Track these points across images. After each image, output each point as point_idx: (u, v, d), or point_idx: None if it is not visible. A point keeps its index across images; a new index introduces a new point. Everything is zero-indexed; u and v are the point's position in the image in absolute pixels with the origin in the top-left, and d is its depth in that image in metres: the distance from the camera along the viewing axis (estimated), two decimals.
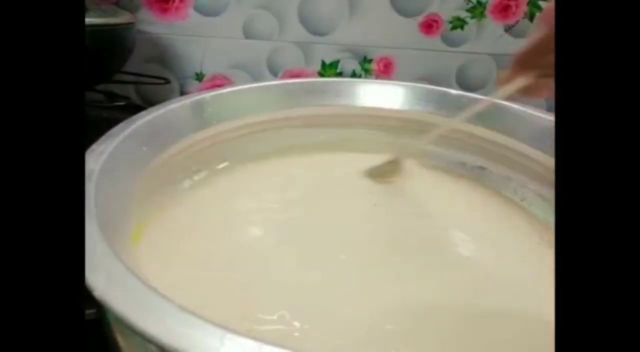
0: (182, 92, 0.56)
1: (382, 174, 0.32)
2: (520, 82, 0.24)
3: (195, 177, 0.31)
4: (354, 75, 0.54)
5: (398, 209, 0.30)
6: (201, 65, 0.55)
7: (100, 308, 0.15)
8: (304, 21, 0.51)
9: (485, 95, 0.34)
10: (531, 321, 0.22)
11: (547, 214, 0.30)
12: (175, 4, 0.52)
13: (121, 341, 0.16)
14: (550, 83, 0.21)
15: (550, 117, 0.31)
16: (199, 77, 0.55)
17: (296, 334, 0.20)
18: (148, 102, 0.58)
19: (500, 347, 0.21)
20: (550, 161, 0.28)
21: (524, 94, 0.24)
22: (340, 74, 0.54)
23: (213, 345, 0.11)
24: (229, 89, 0.33)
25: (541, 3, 0.49)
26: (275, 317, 0.20)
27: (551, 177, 0.29)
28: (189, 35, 0.53)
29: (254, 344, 0.11)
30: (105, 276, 0.14)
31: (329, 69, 0.53)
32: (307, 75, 0.54)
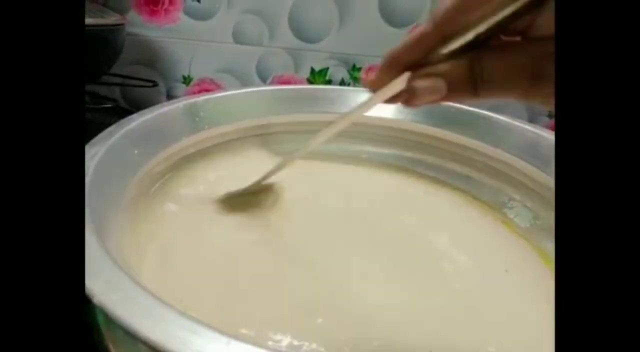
0: (169, 96, 0.56)
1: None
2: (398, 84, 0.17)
3: (187, 181, 0.31)
4: (342, 83, 0.54)
5: (380, 213, 0.31)
6: (189, 69, 0.54)
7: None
8: (294, 28, 0.52)
9: (471, 107, 0.35)
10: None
11: (530, 223, 0.31)
12: (165, 7, 0.51)
13: (114, 349, 0.16)
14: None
15: (534, 129, 0.32)
16: (187, 80, 0.55)
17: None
18: (134, 105, 0.58)
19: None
20: (536, 173, 0.29)
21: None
22: (329, 82, 0.54)
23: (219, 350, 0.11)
24: (221, 94, 0.33)
25: None
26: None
27: (536, 187, 0.30)
28: (177, 39, 0.52)
29: (259, 351, 0.12)
30: (103, 281, 0.14)
31: (318, 76, 0.54)
32: (296, 82, 0.54)
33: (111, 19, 0.44)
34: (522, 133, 0.32)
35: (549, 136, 0.30)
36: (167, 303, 0.13)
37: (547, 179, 0.28)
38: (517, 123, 0.32)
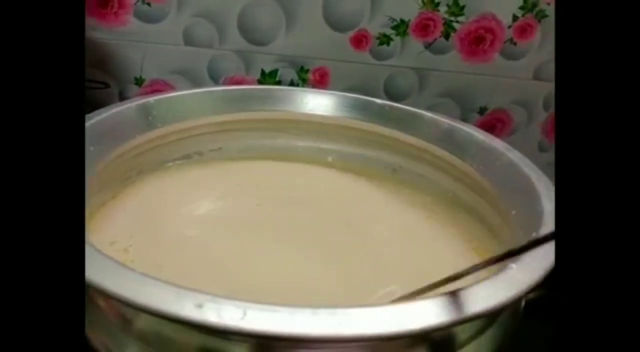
0: (122, 97, 0.56)
1: None
2: None
3: (141, 177, 0.33)
4: (292, 83, 0.57)
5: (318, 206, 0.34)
6: (141, 71, 0.55)
7: None
8: (243, 31, 0.54)
9: (410, 105, 0.39)
10: None
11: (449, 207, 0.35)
12: (114, 10, 0.52)
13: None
14: None
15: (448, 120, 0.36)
16: (139, 82, 0.56)
17: None
18: (87, 107, 0.58)
19: None
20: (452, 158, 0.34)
21: None
22: (279, 83, 0.57)
23: (169, 299, 0.14)
24: (174, 93, 0.35)
25: (455, 24, 0.56)
26: None
27: (453, 171, 0.34)
28: (128, 41, 0.53)
29: (206, 296, 0.14)
30: None
31: (269, 77, 0.57)
32: (247, 83, 0.56)
33: None
34: (439, 125, 0.36)
35: (464, 128, 0.35)
36: (118, 261, 0.15)
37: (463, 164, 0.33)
38: (441, 119, 0.37)
